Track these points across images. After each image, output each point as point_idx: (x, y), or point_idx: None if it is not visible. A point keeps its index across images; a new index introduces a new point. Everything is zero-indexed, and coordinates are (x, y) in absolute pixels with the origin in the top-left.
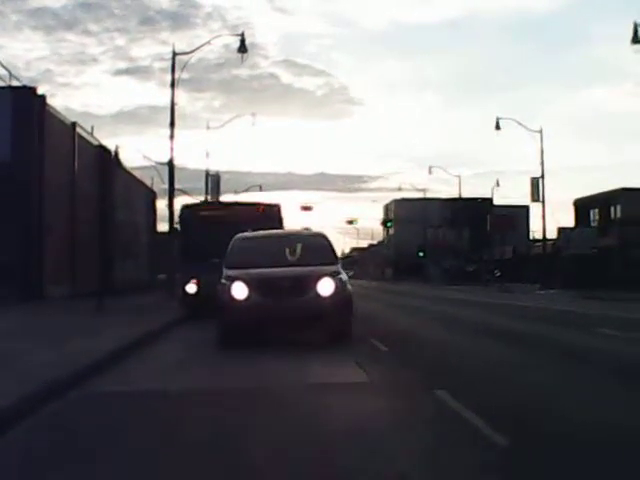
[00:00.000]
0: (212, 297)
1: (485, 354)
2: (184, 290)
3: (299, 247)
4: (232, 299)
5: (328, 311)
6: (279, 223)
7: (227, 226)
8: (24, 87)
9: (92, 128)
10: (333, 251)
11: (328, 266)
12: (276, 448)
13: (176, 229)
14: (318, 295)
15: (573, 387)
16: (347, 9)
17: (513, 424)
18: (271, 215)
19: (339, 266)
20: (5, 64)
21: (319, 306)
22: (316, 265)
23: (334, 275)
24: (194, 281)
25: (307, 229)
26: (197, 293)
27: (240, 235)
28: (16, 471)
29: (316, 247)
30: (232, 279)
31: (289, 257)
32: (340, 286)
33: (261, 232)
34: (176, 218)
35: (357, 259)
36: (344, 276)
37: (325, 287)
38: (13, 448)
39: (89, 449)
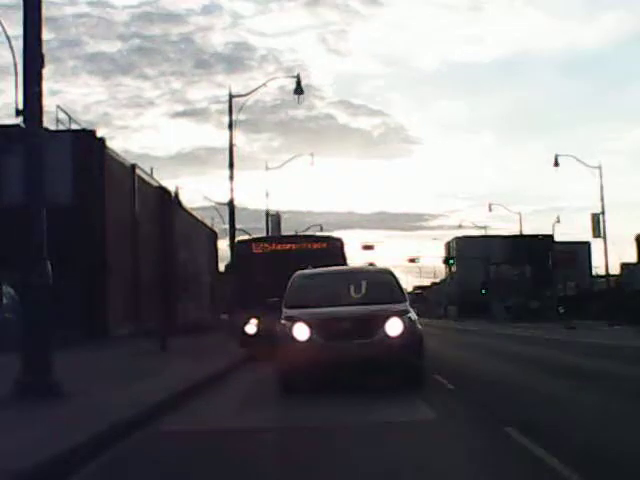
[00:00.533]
0: (272, 338)
1: (550, 390)
2: (243, 330)
3: (364, 284)
4: (292, 341)
5: (397, 354)
6: (342, 259)
7: (286, 262)
8: (84, 130)
9: (151, 170)
10: (400, 288)
11: (396, 304)
12: None
13: (233, 266)
14: (386, 336)
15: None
16: (399, 50)
17: (588, 462)
18: (333, 250)
19: (407, 304)
20: (64, 108)
21: (387, 348)
22: (383, 303)
23: (403, 314)
24: (253, 321)
25: (372, 264)
26: (257, 334)
27: (300, 272)
28: None
29: (382, 284)
30: (292, 319)
31: (353, 295)
32: (410, 326)
33: (323, 269)
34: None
35: (420, 297)
36: (413, 315)
37: (394, 327)
38: None
39: None
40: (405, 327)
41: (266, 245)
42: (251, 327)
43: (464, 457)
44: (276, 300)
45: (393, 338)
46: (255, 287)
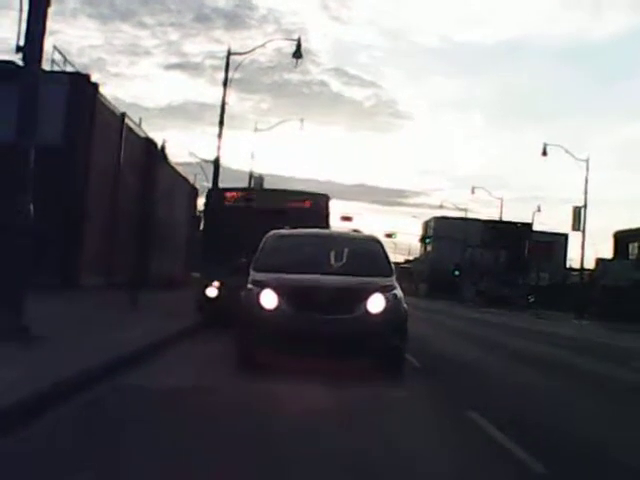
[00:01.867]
0: (236, 304)
1: (515, 377)
2: (204, 293)
3: (347, 252)
4: (257, 309)
5: (378, 334)
6: (326, 221)
7: (262, 219)
8: (78, 74)
9: (140, 120)
10: (388, 260)
11: (381, 278)
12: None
13: (200, 217)
14: (367, 313)
15: (596, 412)
16: (400, 22)
17: (550, 450)
18: (317, 210)
19: (394, 278)
20: (59, 49)
21: (366, 327)
22: (366, 276)
23: (388, 290)
24: (216, 283)
25: (357, 231)
26: (218, 297)
27: (276, 232)
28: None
29: (368, 253)
30: (260, 284)
31: (334, 263)
32: (394, 304)
33: (302, 230)
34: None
35: (406, 272)
36: (399, 292)
37: (376, 304)
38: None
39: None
40: (389, 305)
41: (243, 196)
42: (212, 290)
43: (427, 440)
44: (246, 261)
45: (374, 316)
46: (224, 244)
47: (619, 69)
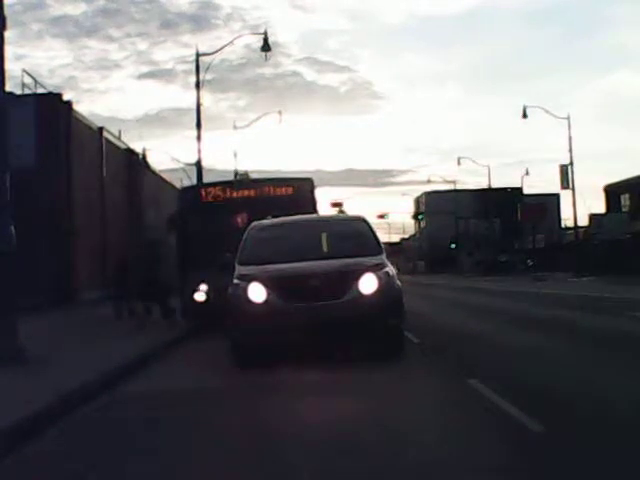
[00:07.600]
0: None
1: (514, 342)
2: (192, 298)
3: (333, 235)
4: (246, 303)
5: (374, 315)
6: (312, 206)
7: (244, 212)
8: (50, 94)
9: (119, 132)
10: (376, 238)
11: (371, 257)
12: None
13: (175, 220)
14: (360, 295)
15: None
16: (365, 4)
17: (553, 413)
18: (301, 195)
19: (384, 256)
20: (29, 72)
21: (361, 309)
22: (355, 256)
23: (379, 268)
24: (203, 286)
25: (342, 212)
26: (207, 300)
27: (257, 223)
28: None
29: (354, 234)
30: (246, 278)
31: (321, 248)
32: (387, 283)
33: (284, 218)
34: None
35: (389, 253)
36: (391, 269)
37: (368, 284)
38: None
39: None
40: (382, 284)
41: (218, 192)
42: (200, 294)
43: (429, 410)
44: (231, 257)
45: (368, 297)
46: (205, 244)
47: (587, 24)
